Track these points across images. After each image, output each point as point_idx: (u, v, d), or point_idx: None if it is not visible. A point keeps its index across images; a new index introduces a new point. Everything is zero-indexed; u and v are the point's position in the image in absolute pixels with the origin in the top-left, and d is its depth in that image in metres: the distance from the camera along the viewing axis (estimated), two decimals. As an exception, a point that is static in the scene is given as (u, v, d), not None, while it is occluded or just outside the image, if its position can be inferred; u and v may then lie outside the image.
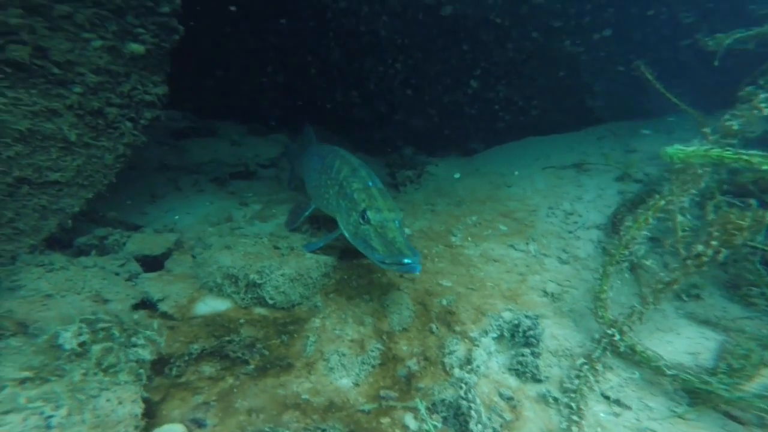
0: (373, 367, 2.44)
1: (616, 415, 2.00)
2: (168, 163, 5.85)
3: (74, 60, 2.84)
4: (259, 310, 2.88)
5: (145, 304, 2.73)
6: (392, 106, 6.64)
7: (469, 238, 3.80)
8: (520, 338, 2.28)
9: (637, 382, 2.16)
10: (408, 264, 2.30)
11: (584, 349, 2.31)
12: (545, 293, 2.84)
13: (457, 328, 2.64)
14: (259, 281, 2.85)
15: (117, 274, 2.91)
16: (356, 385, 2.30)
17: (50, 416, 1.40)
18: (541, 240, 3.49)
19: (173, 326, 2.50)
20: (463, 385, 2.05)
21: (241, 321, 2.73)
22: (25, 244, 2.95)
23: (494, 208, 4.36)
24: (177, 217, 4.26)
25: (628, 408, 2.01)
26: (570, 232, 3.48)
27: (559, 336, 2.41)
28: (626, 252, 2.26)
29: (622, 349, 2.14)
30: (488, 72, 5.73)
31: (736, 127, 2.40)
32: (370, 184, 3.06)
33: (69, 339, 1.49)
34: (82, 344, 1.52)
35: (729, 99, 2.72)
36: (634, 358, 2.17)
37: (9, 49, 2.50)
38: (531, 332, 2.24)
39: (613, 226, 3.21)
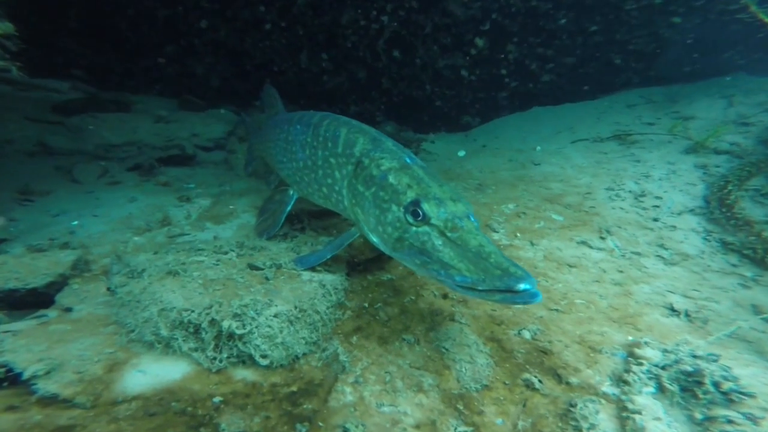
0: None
1: None
2: (52, 146, 4.25)
3: None
4: (243, 374, 1.83)
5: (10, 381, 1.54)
6: (375, 72, 5.60)
7: (518, 234, 3.01)
8: (713, 394, 1.50)
9: None
10: (525, 291, 1.41)
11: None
12: (673, 311, 2.12)
13: (573, 380, 1.81)
14: (239, 331, 1.77)
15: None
16: None
17: None
18: (619, 233, 2.80)
19: (73, 425, 1.35)
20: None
21: (217, 399, 1.66)
22: None
23: (532, 191, 3.62)
24: (76, 222, 2.90)
25: None
26: (655, 220, 2.84)
27: (749, 379, 1.68)
28: None
29: None
30: (500, 27, 4.95)
31: None
32: (408, 160, 2.09)
33: None
34: None
35: None
36: None
37: None
38: (730, 385, 1.48)
39: (724, 209, 2.61)
